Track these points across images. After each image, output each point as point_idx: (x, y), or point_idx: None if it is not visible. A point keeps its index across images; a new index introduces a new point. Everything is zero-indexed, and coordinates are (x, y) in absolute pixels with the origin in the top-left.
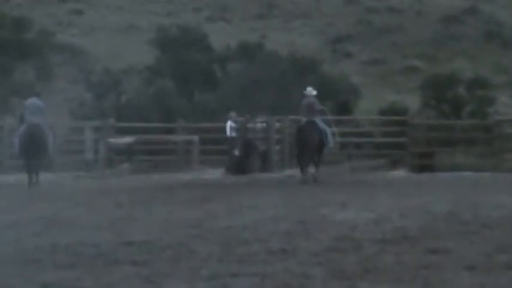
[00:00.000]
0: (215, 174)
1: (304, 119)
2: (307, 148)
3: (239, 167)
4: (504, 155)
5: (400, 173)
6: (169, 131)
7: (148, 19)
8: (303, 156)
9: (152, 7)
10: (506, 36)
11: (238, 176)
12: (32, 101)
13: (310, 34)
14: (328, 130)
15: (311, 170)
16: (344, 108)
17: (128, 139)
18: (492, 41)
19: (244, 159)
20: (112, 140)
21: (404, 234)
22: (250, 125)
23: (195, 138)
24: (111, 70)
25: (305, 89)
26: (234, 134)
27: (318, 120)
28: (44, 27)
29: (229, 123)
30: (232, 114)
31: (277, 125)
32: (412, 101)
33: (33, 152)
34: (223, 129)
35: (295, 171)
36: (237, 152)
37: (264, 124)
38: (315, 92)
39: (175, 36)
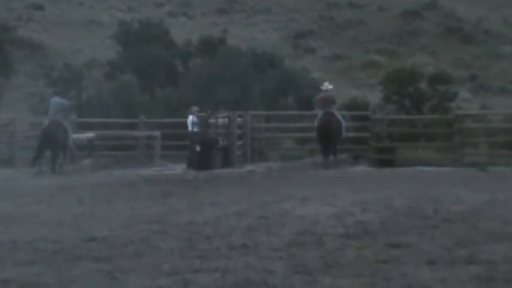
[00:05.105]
0: (177, 169)
1: (321, 111)
2: (333, 136)
3: (200, 162)
4: (464, 150)
5: (361, 168)
6: (131, 127)
7: (110, 14)
8: (328, 144)
9: (113, 2)
10: (466, 32)
11: (199, 171)
12: (55, 99)
13: (271, 29)
14: (343, 122)
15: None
16: (305, 103)
17: (89, 134)
18: (452, 36)
19: (206, 154)
20: (73, 136)
21: (366, 229)
22: (211, 120)
23: (157, 133)
24: (72, 65)
25: (322, 86)
26: (195, 129)
27: (336, 112)
28: (4, 22)
29: (190, 118)
30: (194, 108)
31: (239, 120)
32: (373, 96)
33: (50, 146)
34: (185, 125)
35: (257, 166)
36: (198, 148)
37: (226, 119)
38: (331, 86)
39: (136, 32)
